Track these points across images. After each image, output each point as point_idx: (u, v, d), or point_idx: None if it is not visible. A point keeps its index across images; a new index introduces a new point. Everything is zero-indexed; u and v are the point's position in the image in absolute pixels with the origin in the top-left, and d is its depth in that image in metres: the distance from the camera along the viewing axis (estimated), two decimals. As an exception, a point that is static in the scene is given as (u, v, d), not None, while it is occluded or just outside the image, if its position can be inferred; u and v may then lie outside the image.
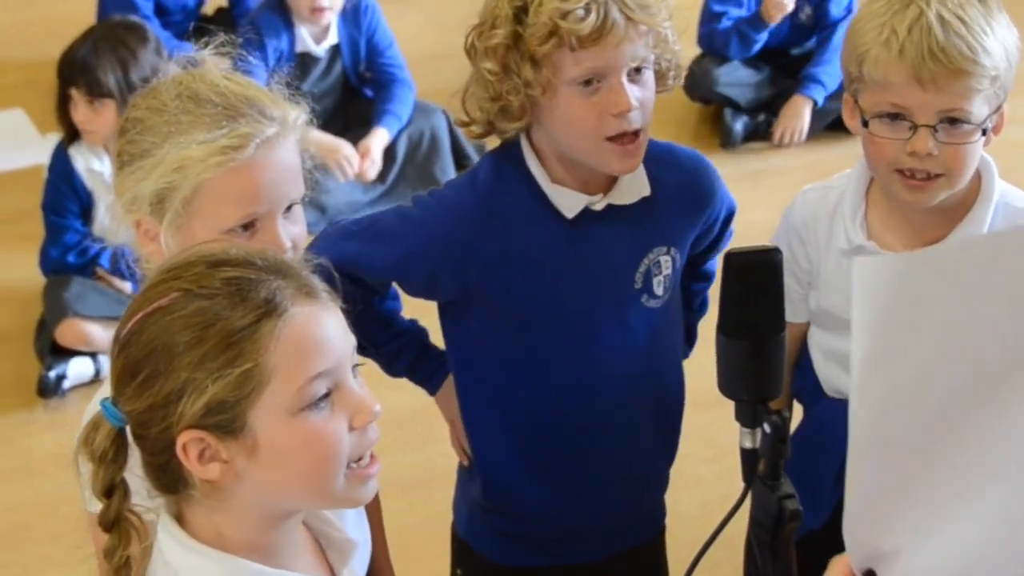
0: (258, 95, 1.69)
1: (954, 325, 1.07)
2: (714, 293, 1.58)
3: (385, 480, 1.44)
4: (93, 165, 3.58)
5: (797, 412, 2.16)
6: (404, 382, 2.16)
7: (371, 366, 2.02)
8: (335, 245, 1.93)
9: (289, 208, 1.70)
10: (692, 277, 2.12)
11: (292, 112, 1.70)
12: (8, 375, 3.65)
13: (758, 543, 1.47)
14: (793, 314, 1.98)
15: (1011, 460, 1.10)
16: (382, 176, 4.21)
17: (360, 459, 1.37)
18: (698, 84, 4.51)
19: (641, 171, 1.94)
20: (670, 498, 2.20)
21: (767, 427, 1.45)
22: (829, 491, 1.98)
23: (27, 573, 3.06)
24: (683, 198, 1.99)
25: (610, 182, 1.94)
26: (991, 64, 1.83)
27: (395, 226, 1.96)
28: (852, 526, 1.22)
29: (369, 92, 4.31)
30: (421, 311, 2.11)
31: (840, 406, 1.16)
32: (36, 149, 4.38)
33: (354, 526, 1.59)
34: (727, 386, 1.50)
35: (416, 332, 2.12)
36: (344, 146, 4.12)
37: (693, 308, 2.17)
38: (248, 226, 1.67)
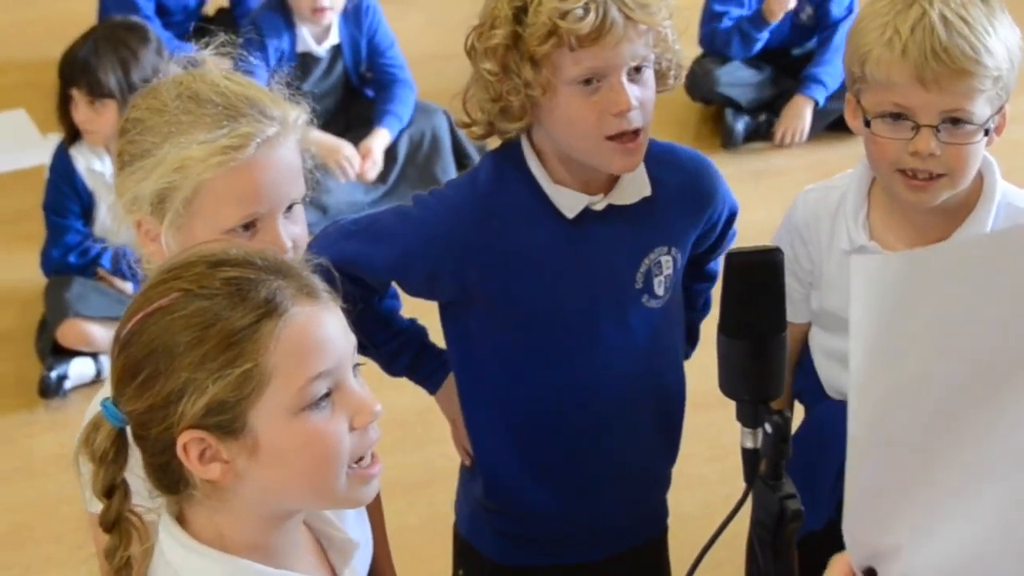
0: (258, 95, 1.69)
1: (953, 324, 1.07)
2: (716, 293, 1.58)
3: (386, 480, 1.44)
4: (94, 165, 3.58)
5: (798, 413, 2.16)
6: (404, 382, 2.16)
7: (371, 366, 2.02)
8: (335, 244, 1.93)
9: (290, 208, 1.70)
10: (695, 277, 2.12)
11: (292, 112, 1.70)
12: (9, 375, 3.65)
13: (760, 543, 1.47)
14: (794, 314, 1.98)
15: (1010, 459, 1.09)
16: (383, 176, 4.21)
17: (361, 459, 1.37)
18: (699, 84, 4.51)
19: (642, 171, 1.94)
20: (672, 498, 2.20)
21: (768, 427, 1.45)
22: (830, 492, 1.98)
23: (29, 573, 3.06)
24: (684, 198, 1.99)
25: (611, 182, 1.93)
26: (994, 64, 1.83)
27: (395, 225, 1.96)
28: (852, 525, 1.22)
29: (370, 92, 4.31)
30: (421, 310, 2.10)
31: (841, 407, 1.16)
32: (37, 149, 4.38)
33: (355, 526, 1.59)
34: (728, 386, 1.50)
35: (415, 331, 2.12)
36: (345, 146, 4.12)
37: (696, 308, 2.17)
38: (249, 226, 1.67)
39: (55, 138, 3.74)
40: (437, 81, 4.11)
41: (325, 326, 1.34)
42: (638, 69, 1.84)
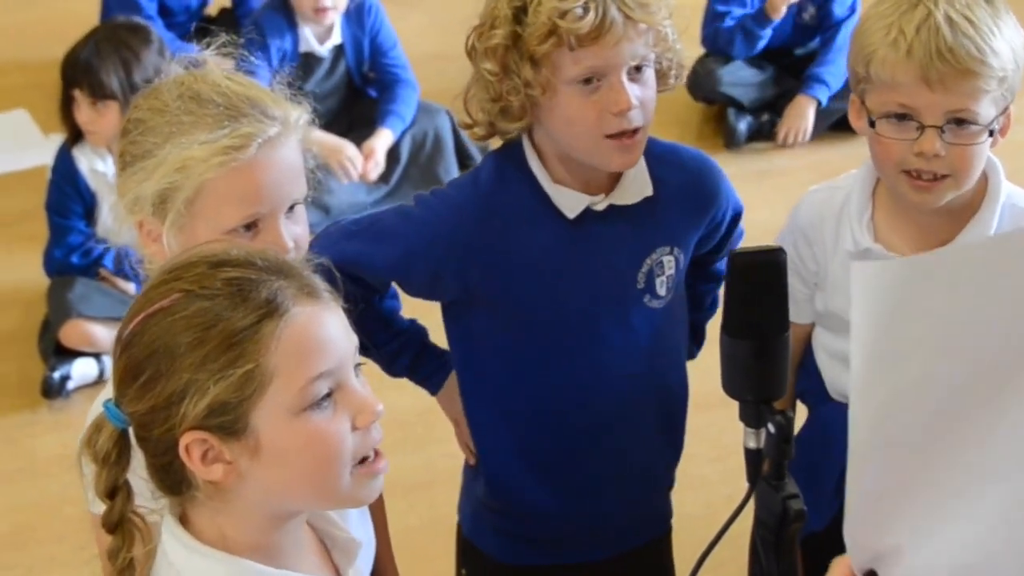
0: (260, 95, 1.69)
1: (954, 327, 1.07)
2: (723, 292, 1.58)
3: (387, 481, 1.43)
4: (96, 166, 3.59)
5: (801, 413, 2.15)
6: (405, 382, 2.15)
7: (372, 366, 2.01)
8: (336, 244, 1.93)
9: (291, 208, 1.70)
10: (702, 277, 2.12)
11: (294, 112, 1.70)
12: (12, 376, 3.65)
13: (762, 543, 1.47)
14: (798, 315, 1.97)
15: (1012, 459, 1.10)
16: (386, 177, 4.21)
17: (365, 459, 1.36)
18: (701, 84, 4.51)
19: (643, 171, 1.94)
20: (674, 498, 2.20)
21: (771, 427, 1.45)
22: (832, 493, 1.97)
23: (31, 574, 3.06)
24: (686, 198, 1.99)
25: (612, 182, 1.93)
26: (999, 65, 1.82)
27: (397, 225, 1.96)
28: (853, 527, 1.22)
29: (373, 92, 4.31)
30: (422, 311, 2.10)
31: (844, 409, 1.16)
32: (40, 150, 4.38)
33: (357, 526, 1.59)
34: (731, 386, 1.49)
35: (416, 331, 2.12)
36: (347, 147, 4.12)
37: (703, 308, 2.17)
38: (250, 226, 1.67)
39: (57, 139, 3.74)
40: (439, 81, 4.11)
41: (326, 326, 1.34)
42: (638, 68, 1.84)
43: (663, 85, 1.90)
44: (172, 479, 1.35)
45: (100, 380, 3.57)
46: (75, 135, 3.57)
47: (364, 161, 4.12)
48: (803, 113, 4.47)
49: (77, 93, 3.47)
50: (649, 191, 1.94)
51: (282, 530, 1.39)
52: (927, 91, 1.83)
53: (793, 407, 2.14)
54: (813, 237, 2.05)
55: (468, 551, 2.19)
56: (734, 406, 1.49)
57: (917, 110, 1.85)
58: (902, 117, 1.87)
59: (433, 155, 4.26)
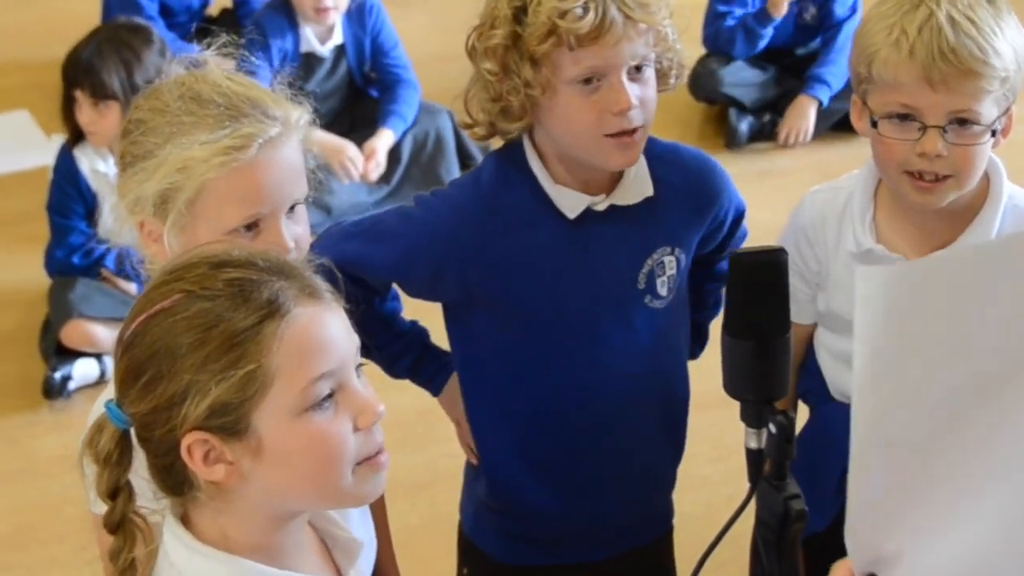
0: (260, 95, 1.69)
1: (956, 329, 1.07)
2: (720, 293, 1.58)
3: (387, 481, 1.43)
4: (98, 166, 3.59)
5: (803, 413, 2.15)
6: (406, 383, 2.15)
7: (373, 367, 2.01)
8: (337, 245, 1.93)
9: (292, 208, 1.70)
10: (705, 277, 2.12)
11: (295, 112, 1.70)
12: (13, 376, 3.65)
13: (764, 543, 1.47)
14: (799, 315, 1.97)
15: (1013, 460, 1.09)
16: (387, 177, 4.21)
17: (368, 459, 1.36)
18: (703, 84, 4.51)
19: (644, 171, 1.94)
20: (675, 498, 2.20)
21: (773, 427, 1.44)
22: (833, 493, 1.97)
23: (32, 574, 3.06)
24: (687, 198, 1.99)
25: (612, 182, 1.93)
26: (1001, 65, 1.82)
27: (397, 226, 1.96)
28: (854, 529, 1.22)
29: (374, 93, 4.31)
30: (422, 311, 2.10)
31: (845, 410, 1.16)
32: (41, 150, 4.38)
33: (359, 526, 1.59)
34: (732, 386, 1.49)
35: (417, 333, 2.12)
36: (348, 147, 4.12)
37: (706, 308, 2.16)
38: (251, 226, 1.67)
39: (59, 139, 3.74)
40: (440, 82, 4.10)
41: (328, 327, 1.34)
42: (639, 68, 1.84)
43: (663, 85, 1.90)
44: (174, 480, 1.35)
45: (101, 380, 3.57)
46: (76, 135, 3.57)
47: (365, 161, 4.12)
48: (804, 113, 4.47)
49: (78, 93, 3.47)
50: (650, 191, 1.94)
51: (284, 530, 1.39)
52: (929, 91, 1.83)
53: (795, 407, 2.14)
54: (815, 237, 2.05)
55: (469, 551, 2.19)
56: (735, 406, 1.49)
57: (919, 110, 1.85)
58: (904, 117, 1.86)
59: (434, 155, 4.26)
